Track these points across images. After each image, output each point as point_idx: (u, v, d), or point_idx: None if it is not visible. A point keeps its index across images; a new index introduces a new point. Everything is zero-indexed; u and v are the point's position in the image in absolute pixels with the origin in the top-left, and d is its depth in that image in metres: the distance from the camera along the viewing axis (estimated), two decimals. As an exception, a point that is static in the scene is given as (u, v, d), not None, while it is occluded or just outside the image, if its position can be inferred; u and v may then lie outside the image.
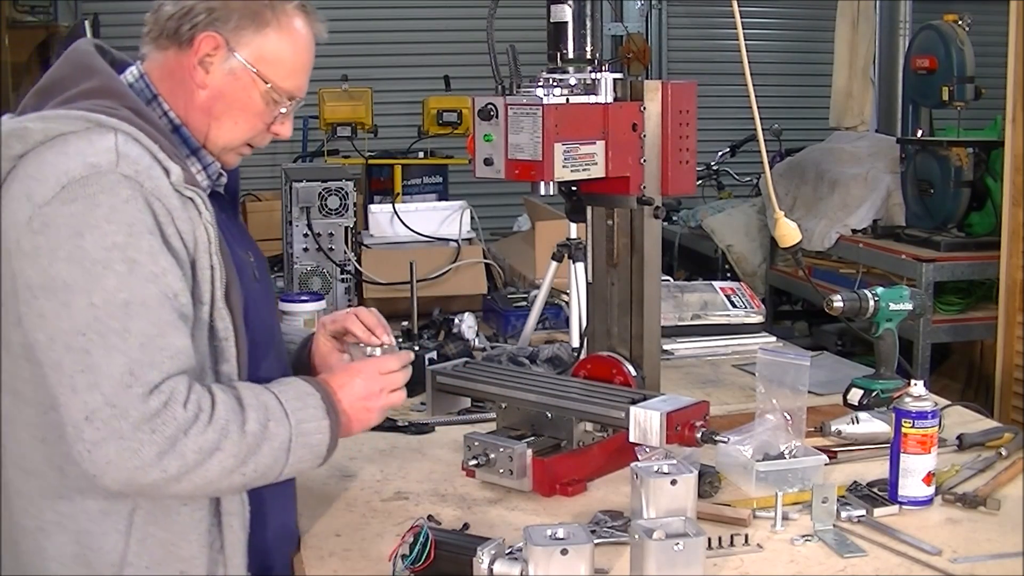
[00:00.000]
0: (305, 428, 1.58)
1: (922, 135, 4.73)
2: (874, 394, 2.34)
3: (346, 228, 3.40)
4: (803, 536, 1.75)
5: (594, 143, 2.06)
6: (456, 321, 2.92)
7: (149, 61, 1.69)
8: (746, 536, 1.74)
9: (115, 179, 1.50)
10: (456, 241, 3.53)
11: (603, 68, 2.11)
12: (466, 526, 1.79)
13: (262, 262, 1.86)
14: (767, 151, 2.52)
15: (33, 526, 1.59)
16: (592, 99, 2.09)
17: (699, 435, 1.87)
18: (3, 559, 1.64)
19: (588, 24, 2.12)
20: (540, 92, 2.02)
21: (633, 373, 2.17)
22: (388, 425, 2.28)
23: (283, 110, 1.72)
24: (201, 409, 1.48)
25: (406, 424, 2.33)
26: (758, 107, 2.33)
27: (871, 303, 2.36)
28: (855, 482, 1.95)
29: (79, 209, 1.48)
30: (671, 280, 3.42)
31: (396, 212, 3.61)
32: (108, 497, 1.55)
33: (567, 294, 3.00)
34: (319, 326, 1.94)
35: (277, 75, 1.69)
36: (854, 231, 4.89)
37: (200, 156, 1.71)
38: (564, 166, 2.00)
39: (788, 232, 2.38)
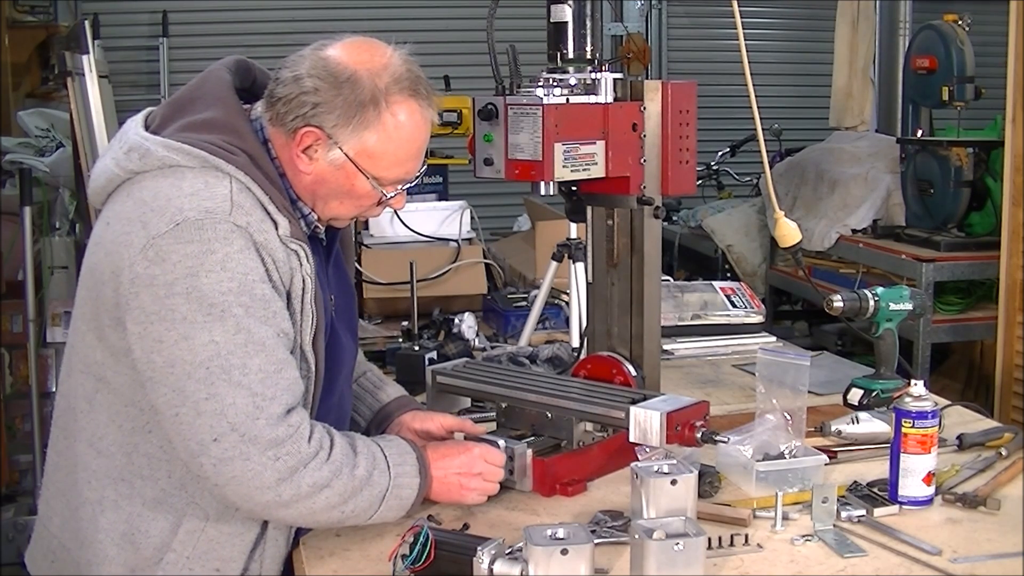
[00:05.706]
0: (400, 482, 1.70)
1: (922, 135, 4.72)
2: (874, 394, 2.34)
3: (346, 228, 3.39)
4: (803, 536, 1.75)
5: (594, 143, 2.06)
6: (456, 321, 2.92)
7: (266, 115, 1.72)
8: (746, 536, 1.74)
9: (228, 228, 1.57)
10: (456, 241, 3.53)
11: (603, 68, 2.11)
12: (466, 526, 1.79)
13: (347, 300, 1.91)
14: (767, 151, 2.51)
15: (93, 498, 1.68)
16: (592, 99, 2.08)
17: (699, 435, 1.87)
18: (61, 522, 1.76)
19: (588, 24, 2.11)
20: (540, 92, 2.02)
21: (633, 373, 2.17)
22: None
23: (391, 194, 1.76)
24: (322, 447, 1.61)
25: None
26: (758, 107, 2.33)
27: (871, 303, 2.35)
28: (855, 482, 1.95)
29: (194, 251, 1.55)
30: (671, 280, 3.42)
31: (396, 212, 3.60)
32: (165, 487, 1.66)
33: (567, 294, 3.00)
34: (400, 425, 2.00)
35: (380, 167, 1.71)
36: (854, 231, 4.88)
37: (298, 207, 1.75)
38: (564, 166, 2.00)
39: (788, 232, 2.37)
